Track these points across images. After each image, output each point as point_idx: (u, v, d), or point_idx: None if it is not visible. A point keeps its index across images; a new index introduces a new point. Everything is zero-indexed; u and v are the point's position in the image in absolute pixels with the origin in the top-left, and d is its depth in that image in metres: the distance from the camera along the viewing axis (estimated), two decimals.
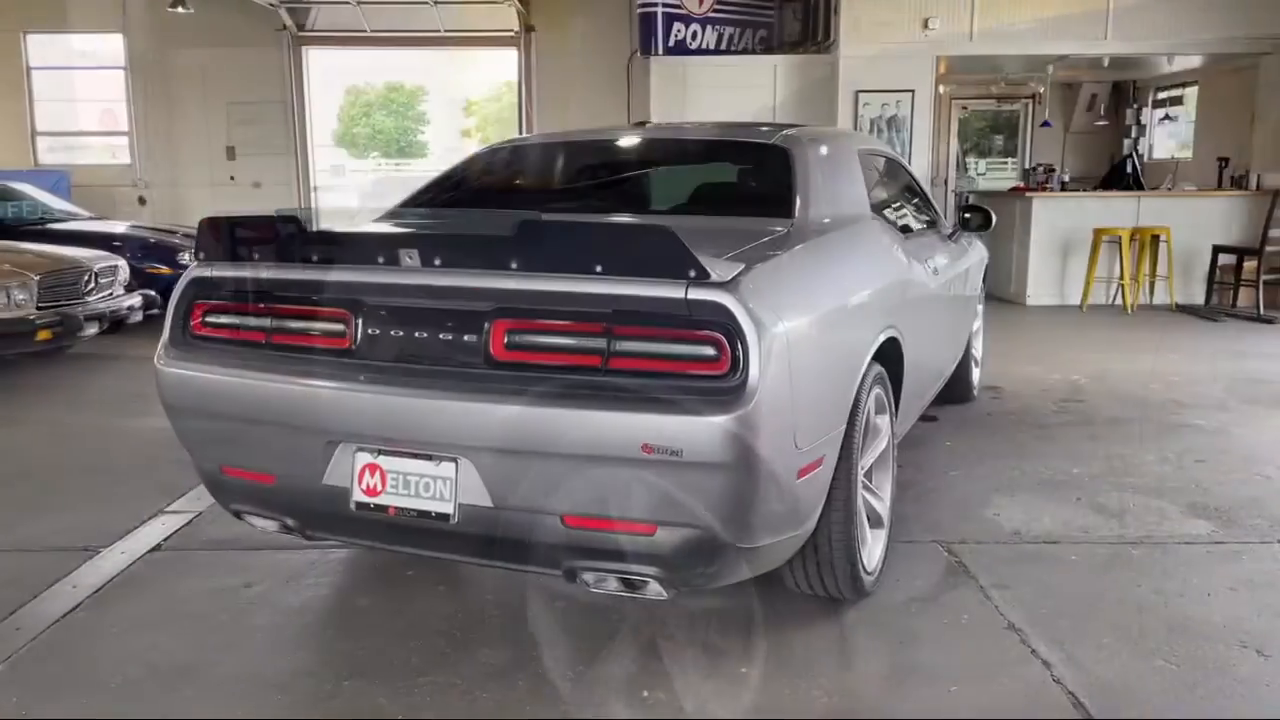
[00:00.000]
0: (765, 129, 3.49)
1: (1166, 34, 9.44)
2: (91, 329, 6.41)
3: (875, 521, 3.06)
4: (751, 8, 10.56)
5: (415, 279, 2.39)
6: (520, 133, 12.98)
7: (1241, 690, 2.49)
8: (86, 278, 6.52)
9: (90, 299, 6.53)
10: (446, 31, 12.62)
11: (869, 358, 2.79)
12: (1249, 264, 9.10)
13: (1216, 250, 9.39)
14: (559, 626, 2.87)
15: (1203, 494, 4.00)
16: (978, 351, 5.69)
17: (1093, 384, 6.13)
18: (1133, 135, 11.95)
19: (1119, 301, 9.49)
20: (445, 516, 2.37)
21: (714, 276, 2.14)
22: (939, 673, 2.59)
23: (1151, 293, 9.62)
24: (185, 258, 8.54)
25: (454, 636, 2.81)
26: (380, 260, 2.40)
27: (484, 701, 2.47)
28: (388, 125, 51.18)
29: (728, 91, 9.69)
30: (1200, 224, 9.55)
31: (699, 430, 2.10)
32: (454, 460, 2.35)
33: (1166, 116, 11.89)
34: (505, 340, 2.33)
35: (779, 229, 2.84)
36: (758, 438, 2.14)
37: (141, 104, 12.71)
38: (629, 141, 3.76)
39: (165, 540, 3.58)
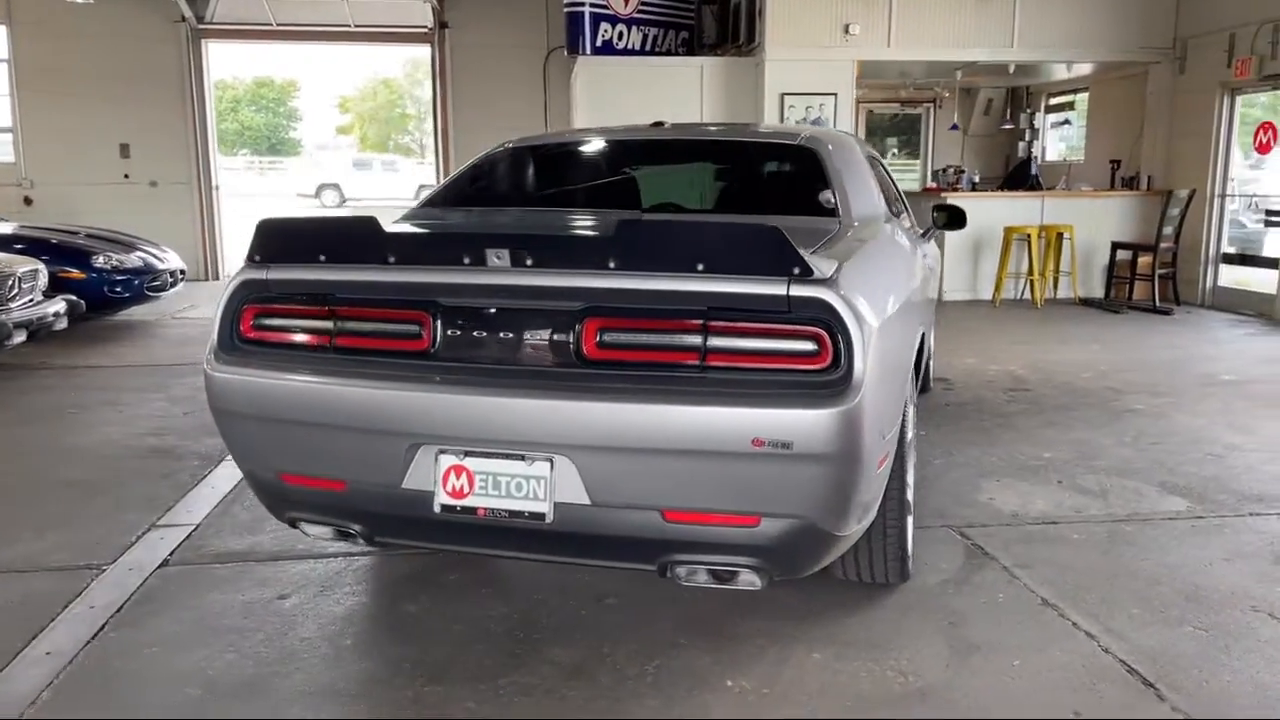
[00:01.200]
0: (787, 130, 3.58)
1: (1067, 43, 10.01)
2: (19, 337, 6.03)
3: (906, 508, 3.18)
4: (673, 9, 10.68)
5: (501, 279, 2.37)
6: (436, 133, 12.79)
7: (1270, 651, 2.70)
8: (10, 283, 6.12)
9: (14, 305, 6.14)
10: (357, 26, 12.31)
11: (916, 350, 2.91)
12: (1144, 259, 9.74)
13: (1115, 247, 10.01)
14: (617, 624, 2.89)
15: (1168, 473, 4.30)
16: (930, 344, 5.94)
17: (1031, 374, 6.47)
18: (1027, 139, 12.60)
19: (1028, 296, 10.01)
20: (540, 516, 2.36)
21: (817, 274, 2.21)
22: (997, 649, 2.72)
23: (1056, 287, 10.18)
24: (100, 260, 8.11)
25: (517, 638, 2.80)
26: (466, 261, 2.37)
27: (573, 699, 2.48)
28: (257, 121, 49.30)
29: (656, 91, 9.76)
30: (1098, 222, 10.18)
31: (810, 423, 2.17)
32: (549, 459, 2.34)
33: (1066, 121, 12.58)
34: (598, 339, 2.34)
35: (830, 228, 2.93)
36: (862, 429, 2.21)
37: (27, 98, 11.95)
38: (661, 141, 3.78)
39: (171, 555, 3.43)
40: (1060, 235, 9.94)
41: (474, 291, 2.41)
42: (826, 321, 2.21)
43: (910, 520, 3.20)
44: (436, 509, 2.43)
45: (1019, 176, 11.08)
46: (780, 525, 2.29)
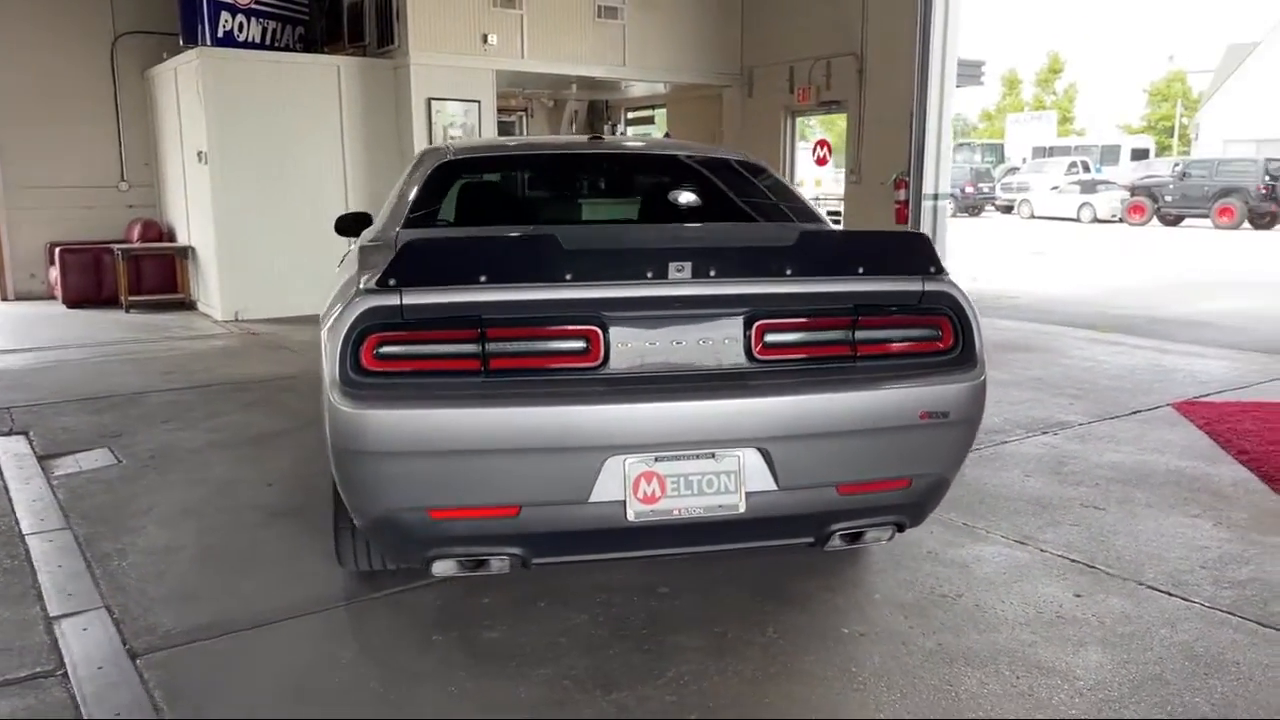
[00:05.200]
0: (715, 148, 3.90)
1: (664, 66, 11.35)
2: None
3: None
4: (289, 3, 10.07)
5: (678, 290, 2.49)
6: None
7: (1128, 529, 3.75)
8: None
9: None
10: None
11: None
12: None
13: None
14: (698, 605, 3.09)
15: None
16: None
17: None
18: None
19: None
20: (733, 507, 2.53)
21: (945, 271, 2.69)
22: (978, 561, 3.43)
23: None
24: None
25: (629, 637, 2.88)
26: (649, 275, 2.45)
27: (745, 671, 2.68)
28: None
29: (290, 90, 9.21)
30: None
31: (962, 393, 2.64)
32: (737, 454, 2.53)
33: (667, 134, 14.04)
34: (765, 339, 2.58)
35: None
36: (985, 394, 2.75)
37: None
38: (631, 157, 3.85)
39: (129, 645, 2.84)
40: None
41: (651, 304, 2.50)
42: (948, 310, 2.70)
43: None
44: (631, 517, 2.48)
45: None
46: (924, 483, 2.74)
